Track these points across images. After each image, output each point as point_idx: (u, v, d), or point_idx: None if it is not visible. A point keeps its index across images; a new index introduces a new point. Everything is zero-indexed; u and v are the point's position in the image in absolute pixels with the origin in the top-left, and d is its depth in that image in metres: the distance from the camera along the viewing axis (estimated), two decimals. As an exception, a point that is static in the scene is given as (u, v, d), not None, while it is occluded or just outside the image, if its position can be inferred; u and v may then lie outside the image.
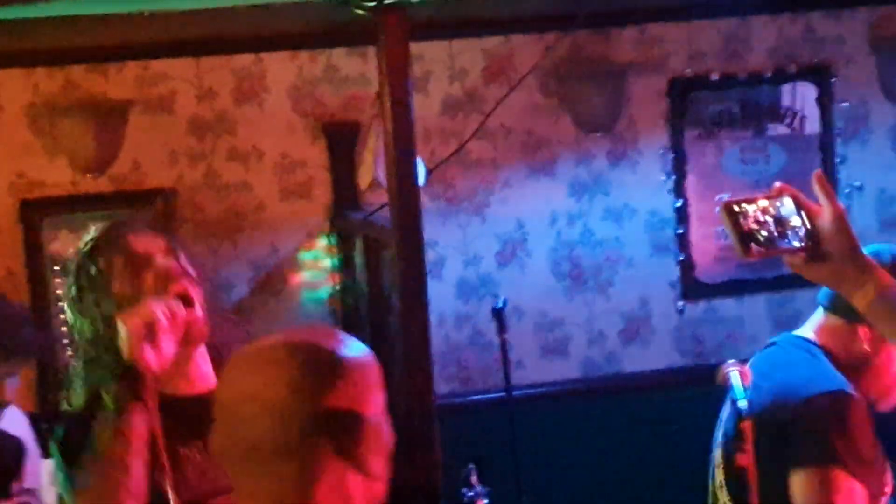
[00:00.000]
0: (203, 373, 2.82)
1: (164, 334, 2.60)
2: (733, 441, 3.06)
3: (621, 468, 5.59)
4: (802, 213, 2.10)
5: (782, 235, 2.08)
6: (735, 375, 3.55)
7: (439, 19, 5.45)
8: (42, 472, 4.17)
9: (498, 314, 4.66)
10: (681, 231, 5.86)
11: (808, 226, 2.09)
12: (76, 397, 2.79)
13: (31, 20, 4.60)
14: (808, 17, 5.94)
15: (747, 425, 2.86)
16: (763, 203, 2.10)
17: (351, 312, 5.51)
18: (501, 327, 4.72)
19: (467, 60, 5.69)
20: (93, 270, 2.75)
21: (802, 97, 5.96)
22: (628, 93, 5.76)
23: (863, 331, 2.97)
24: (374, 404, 1.93)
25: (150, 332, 2.57)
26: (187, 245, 5.42)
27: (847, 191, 5.97)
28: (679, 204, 5.85)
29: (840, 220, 2.08)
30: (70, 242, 5.43)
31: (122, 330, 2.59)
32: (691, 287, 5.88)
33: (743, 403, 3.46)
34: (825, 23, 5.95)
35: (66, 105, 5.41)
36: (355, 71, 5.59)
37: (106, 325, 2.71)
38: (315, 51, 5.59)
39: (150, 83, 5.50)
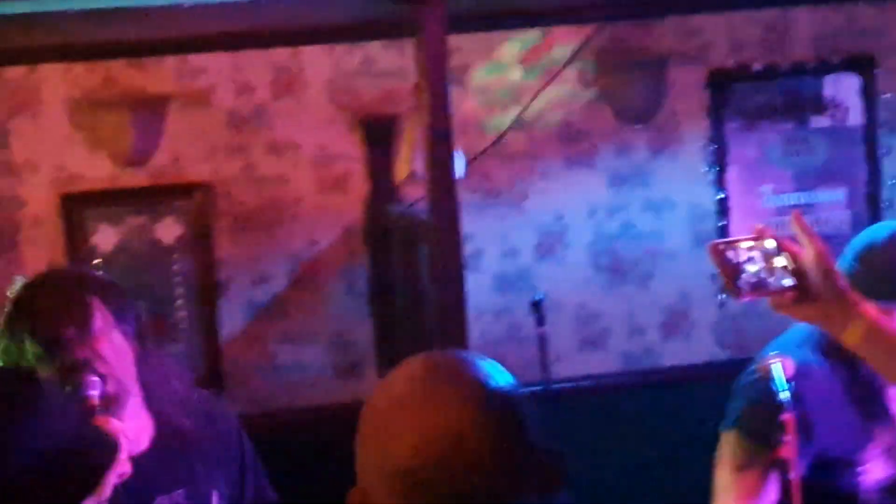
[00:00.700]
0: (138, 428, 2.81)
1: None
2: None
3: (661, 462, 5.56)
4: (787, 253, 2.11)
5: (770, 277, 2.09)
6: (777, 367, 3.53)
7: (477, 11, 5.45)
8: None
9: (537, 307, 4.64)
10: (722, 224, 5.81)
11: (794, 266, 2.10)
12: None
13: (70, 15, 4.62)
14: (850, 7, 5.89)
15: (789, 417, 2.85)
16: (749, 244, 2.12)
17: (387, 306, 5.51)
18: (540, 320, 4.70)
19: (504, 52, 5.67)
20: (11, 347, 2.73)
21: (845, 88, 5.91)
22: (669, 84, 5.73)
23: None
24: None
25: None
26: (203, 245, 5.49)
27: (890, 183, 5.91)
28: (720, 196, 5.81)
29: (823, 258, 2.08)
30: (110, 236, 5.47)
31: None
32: (732, 280, 5.84)
33: (785, 395, 3.44)
34: (868, 13, 5.89)
35: (106, 99, 5.44)
36: (392, 64, 5.58)
37: None
38: (352, 44, 5.58)
39: (188, 77, 5.51)
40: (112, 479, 2.24)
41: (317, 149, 5.58)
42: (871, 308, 2.09)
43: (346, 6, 5.23)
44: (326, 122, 5.58)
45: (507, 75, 5.66)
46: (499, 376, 1.57)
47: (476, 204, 5.55)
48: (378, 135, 5.55)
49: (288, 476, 3.42)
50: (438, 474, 1.47)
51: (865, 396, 3.02)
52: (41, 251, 5.48)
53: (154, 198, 5.51)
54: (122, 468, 2.33)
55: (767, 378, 3.53)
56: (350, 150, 5.59)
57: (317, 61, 5.57)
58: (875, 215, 5.85)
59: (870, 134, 5.93)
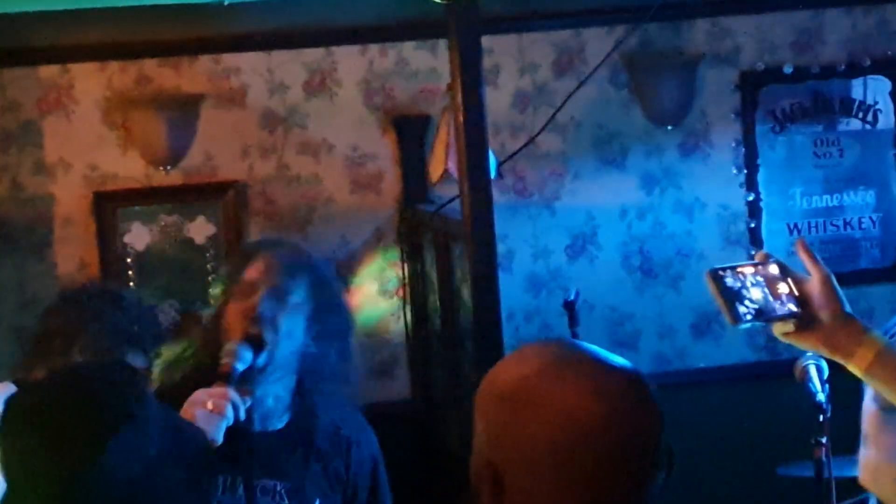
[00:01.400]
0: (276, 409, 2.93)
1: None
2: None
3: (693, 463, 5.53)
4: (789, 279, 2.05)
5: (772, 302, 2.02)
6: (812, 369, 3.53)
7: (509, 12, 5.46)
8: None
9: (570, 307, 4.63)
10: (752, 225, 5.81)
11: (797, 293, 2.04)
12: None
13: (104, 14, 4.65)
14: (882, 10, 5.88)
15: (826, 420, 2.84)
16: (749, 270, 2.05)
17: (420, 306, 5.51)
18: (573, 320, 4.68)
19: (537, 53, 5.68)
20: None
21: (875, 91, 5.89)
22: (699, 85, 5.73)
23: None
24: None
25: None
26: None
27: (921, 186, 5.91)
28: (751, 198, 5.81)
29: (827, 284, 2.03)
30: (142, 234, 5.50)
31: None
32: (763, 282, 5.83)
33: (821, 397, 3.44)
34: (900, 15, 5.88)
35: (140, 98, 5.47)
36: (425, 64, 5.60)
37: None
38: (385, 44, 5.60)
39: (221, 77, 5.54)
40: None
41: (350, 148, 5.60)
42: (877, 335, 2.04)
43: (379, 6, 5.25)
44: (359, 122, 5.59)
45: (539, 77, 5.67)
46: (637, 370, 1.63)
47: (508, 205, 5.55)
48: (411, 135, 5.56)
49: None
50: (587, 449, 1.52)
51: None
52: (73, 249, 5.51)
53: (187, 197, 5.54)
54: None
55: (804, 380, 3.54)
56: (383, 150, 5.61)
57: (350, 61, 5.59)
58: (904, 218, 5.85)
59: (900, 137, 5.93)
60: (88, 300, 3.35)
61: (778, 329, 2.03)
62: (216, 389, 2.68)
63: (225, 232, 5.53)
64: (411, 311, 5.57)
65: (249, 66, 5.55)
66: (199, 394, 2.67)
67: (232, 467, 2.77)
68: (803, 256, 2.06)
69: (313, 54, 5.58)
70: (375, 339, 5.62)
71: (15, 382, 3.11)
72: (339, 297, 3.20)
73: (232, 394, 2.68)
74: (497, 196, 4.20)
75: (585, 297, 5.40)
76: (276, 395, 2.90)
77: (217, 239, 5.54)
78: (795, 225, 5.84)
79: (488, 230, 3.89)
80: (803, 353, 3.98)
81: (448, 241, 4.95)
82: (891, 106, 5.91)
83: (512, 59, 5.66)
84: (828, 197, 5.86)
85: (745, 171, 5.81)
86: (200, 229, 5.54)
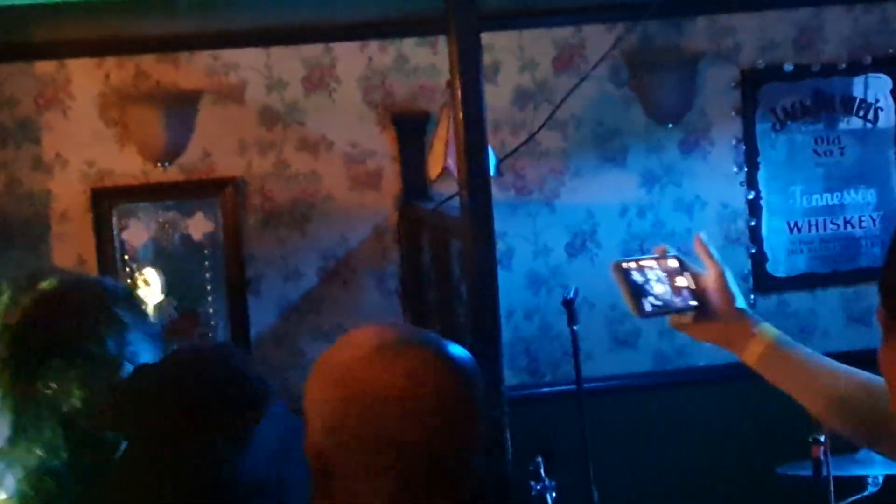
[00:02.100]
0: None
1: None
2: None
3: (692, 462, 5.55)
4: (687, 273, 2.13)
5: (673, 295, 2.11)
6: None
7: (509, 9, 5.45)
8: None
9: (569, 304, 4.62)
10: (753, 223, 5.80)
11: (694, 286, 2.12)
12: None
13: (101, 9, 4.64)
14: (883, 8, 5.86)
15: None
16: (651, 263, 2.13)
17: (419, 304, 5.51)
18: (572, 318, 4.67)
19: (537, 50, 5.66)
20: None
21: (877, 89, 5.88)
22: (700, 83, 5.72)
23: None
24: None
25: None
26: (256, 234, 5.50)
27: (923, 185, 5.90)
28: (751, 196, 5.79)
29: (721, 279, 2.11)
30: (140, 231, 5.48)
31: None
32: (763, 280, 5.83)
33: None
34: (901, 13, 5.87)
35: (137, 94, 5.45)
36: (425, 61, 5.58)
37: None
38: (385, 41, 5.59)
39: (220, 73, 5.52)
40: None
41: (349, 145, 5.58)
42: (769, 329, 2.12)
43: (379, 3, 5.24)
44: (359, 119, 5.58)
45: (539, 74, 5.66)
46: (458, 347, 1.69)
47: (508, 202, 5.54)
48: (410, 132, 5.55)
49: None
50: (407, 423, 1.59)
51: None
52: (71, 246, 5.50)
53: (185, 193, 5.52)
54: None
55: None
56: (382, 147, 5.59)
57: (349, 58, 5.57)
58: (905, 217, 5.83)
59: (901, 135, 5.91)
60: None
61: (674, 321, 2.12)
62: None
63: (223, 229, 5.52)
64: (410, 308, 5.56)
65: (248, 62, 5.53)
66: None
67: None
68: (700, 251, 2.15)
69: (312, 50, 5.56)
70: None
71: None
72: None
73: None
74: (497, 193, 4.19)
75: (585, 295, 5.38)
76: None
77: (215, 236, 5.53)
78: (796, 223, 5.83)
79: (487, 228, 3.89)
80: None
81: (447, 239, 4.94)
82: (892, 104, 5.90)
83: (512, 56, 5.64)
84: (828, 195, 5.85)
85: (746, 170, 5.80)
86: (198, 226, 5.52)
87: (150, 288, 3.51)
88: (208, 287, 5.52)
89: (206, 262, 5.52)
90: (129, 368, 2.10)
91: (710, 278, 2.13)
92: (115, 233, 5.48)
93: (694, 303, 2.11)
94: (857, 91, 5.87)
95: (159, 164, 5.46)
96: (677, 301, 2.11)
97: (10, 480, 2.07)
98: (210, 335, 5.51)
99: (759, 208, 5.80)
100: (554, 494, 4.36)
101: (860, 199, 5.87)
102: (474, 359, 1.69)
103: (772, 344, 2.12)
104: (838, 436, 2.17)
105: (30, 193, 5.47)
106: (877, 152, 5.89)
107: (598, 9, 5.61)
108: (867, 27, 5.86)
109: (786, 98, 5.82)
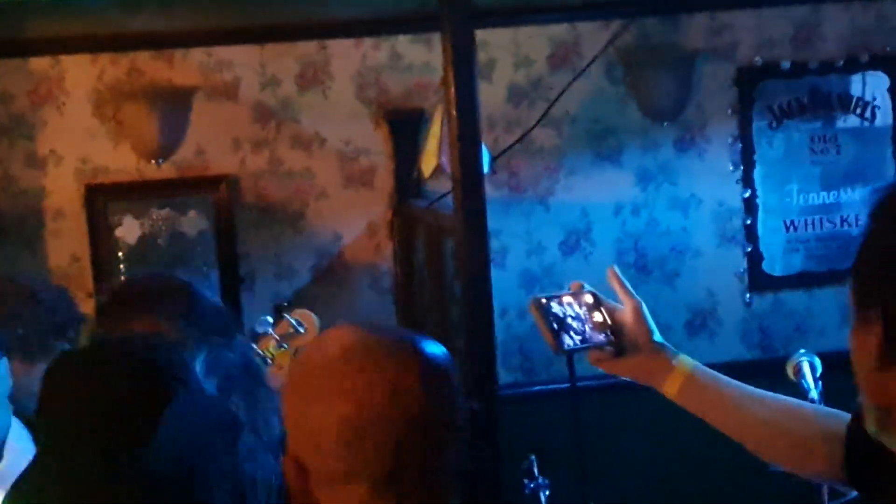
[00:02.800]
0: None
1: None
2: None
3: (685, 460, 5.54)
4: (602, 308, 2.13)
5: (591, 331, 2.10)
6: (806, 366, 3.52)
7: (504, 6, 5.44)
8: None
9: (562, 304, 4.61)
10: (749, 222, 5.78)
11: (610, 321, 2.12)
12: None
13: (95, 6, 4.63)
14: (880, 5, 5.85)
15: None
16: (568, 299, 2.13)
17: (412, 302, 5.50)
18: (565, 317, 4.66)
19: (532, 48, 5.65)
20: None
21: (874, 87, 5.87)
22: (696, 81, 5.70)
23: None
24: None
25: None
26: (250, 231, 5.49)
27: (919, 182, 5.87)
28: (747, 194, 5.78)
29: (637, 313, 2.11)
30: (134, 228, 5.47)
31: None
32: (759, 279, 5.82)
33: (814, 394, 3.43)
34: (898, 11, 5.86)
35: (131, 91, 5.44)
36: (419, 58, 5.57)
37: None
38: (379, 38, 5.58)
39: (214, 70, 5.51)
40: None
41: (342, 143, 5.57)
42: (687, 361, 2.12)
43: (373, 0, 5.23)
44: (352, 116, 5.57)
45: (534, 71, 5.65)
46: (432, 345, 1.67)
47: (502, 200, 5.53)
48: (404, 129, 5.54)
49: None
50: (379, 425, 1.57)
51: None
52: (65, 243, 5.50)
53: (178, 190, 5.52)
54: None
55: (797, 377, 3.52)
56: (376, 145, 5.59)
57: (343, 55, 5.56)
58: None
59: (899, 134, 5.90)
60: (3, 303, 3.30)
61: (593, 356, 2.12)
62: None
63: (217, 225, 5.52)
64: (404, 306, 5.56)
65: (242, 60, 5.52)
66: None
67: None
68: (615, 285, 2.15)
69: (306, 48, 5.55)
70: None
71: None
72: None
73: None
74: (490, 191, 4.19)
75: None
76: None
77: (209, 233, 5.53)
78: (792, 222, 5.82)
79: (481, 226, 3.88)
80: (797, 350, 3.97)
81: (441, 237, 4.93)
82: (889, 102, 5.88)
83: (507, 53, 5.63)
84: (825, 194, 5.84)
85: (742, 168, 5.79)
86: (192, 223, 5.52)
87: (304, 334, 3.44)
88: (202, 284, 5.50)
89: (200, 259, 5.52)
90: None
91: (626, 313, 2.13)
92: (109, 229, 5.48)
93: (609, 337, 2.11)
94: (855, 89, 5.86)
95: (153, 161, 5.46)
96: (595, 336, 2.11)
97: None
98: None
99: (756, 207, 5.79)
100: (547, 493, 4.35)
101: (857, 197, 5.86)
102: (448, 354, 1.68)
103: (691, 375, 2.11)
104: (763, 462, 2.16)
105: (24, 190, 5.47)
106: (874, 151, 5.88)
107: (594, 6, 5.60)
108: (865, 25, 5.85)
109: (783, 96, 5.81)
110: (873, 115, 5.87)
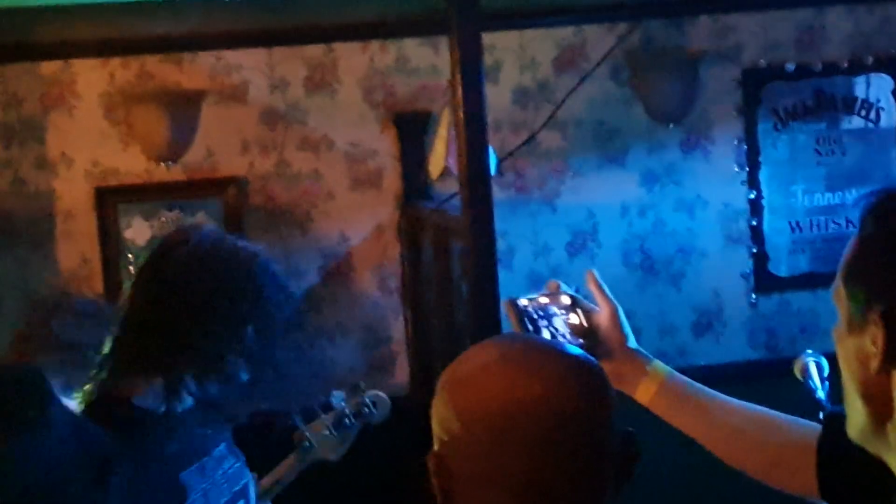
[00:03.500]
0: None
1: None
2: None
3: (693, 462, 5.54)
4: (579, 310, 2.13)
5: (564, 333, 2.09)
6: (812, 366, 3.53)
7: (511, 9, 5.46)
8: None
9: (568, 305, 4.63)
10: (754, 223, 5.81)
11: (586, 324, 2.11)
12: None
13: (106, 9, 4.65)
14: (885, 8, 5.86)
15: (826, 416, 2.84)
16: (544, 300, 2.12)
17: (420, 303, 5.52)
18: (572, 318, 4.68)
19: (538, 50, 5.67)
20: None
21: (878, 89, 5.89)
22: (701, 83, 5.72)
23: None
24: None
25: None
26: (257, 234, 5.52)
27: (923, 184, 5.89)
28: (752, 196, 5.80)
29: (614, 318, 2.11)
30: (143, 230, 5.50)
31: None
32: (764, 280, 5.83)
33: (821, 394, 3.44)
34: (903, 13, 5.88)
35: (141, 94, 5.47)
36: (426, 61, 5.60)
37: None
38: (386, 41, 5.60)
39: (223, 73, 5.54)
40: None
41: (350, 145, 5.60)
42: (661, 367, 2.12)
43: (380, 3, 5.25)
44: (360, 119, 5.60)
45: (540, 73, 5.67)
46: (581, 352, 1.64)
47: (508, 202, 5.55)
48: (411, 131, 5.56)
49: (321, 471, 3.44)
50: (529, 421, 1.50)
51: None
52: (75, 245, 5.52)
53: (188, 192, 5.54)
54: None
55: (804, 377, 3.53)
56: (383, 147, 5.61)
57: (351, 58, 5.59)
58: (907, 216, 5.82)
59: (903, 136, 5.92)
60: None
61: None
62: None
63: (225, 227, 5.52)
64: (411, 307, 5.57)
65: (250, 63, 5.55)
66: None
67: None
68: (593, 289, 2.15)
69: (314, 51, 5.58)
70: (375, 335, 5.63)
71: None
72: None
73: None
74: (497, 193, 4.21)
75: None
76: None
77: (218, 234, 5.54)
78: (797, 223, 5.84)
79: (488, 227, 3.89)
80: (803, 350, 3.99)
81: (448, 238, 4.95)
82: (893, 104, 5.90)
83: (513, 56, 5.65)
84: (830, 195, 5.86)
85: (747, 169, 5.81)
86: (201, 225, 5.54)
87: (374, 415, 3.45)
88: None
89: (209, 261, 5.53)
90: None
91: (602, 316, 2.13)
92: (118, 231, 5.50)
93: (581, 341, 2.09)
94: (859, 91, 5.88)
95: (163, 164, 5.48)
96: (569, 339, 2.10)
97: None
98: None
99: (761, 208, 5.81)
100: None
101: (861, 198, 5.87)
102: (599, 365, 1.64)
103: (664, 381, 2.12)
104: (734, 469, 2.17)
105: (35, 192, 5.50)
106: (878, 152, 5.90)
107: (599, 9, 5.62)
108: (869, 27, 5.87)
109: (787, 98, 5.83)
110: (877, 116, 5.89)
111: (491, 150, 4.04)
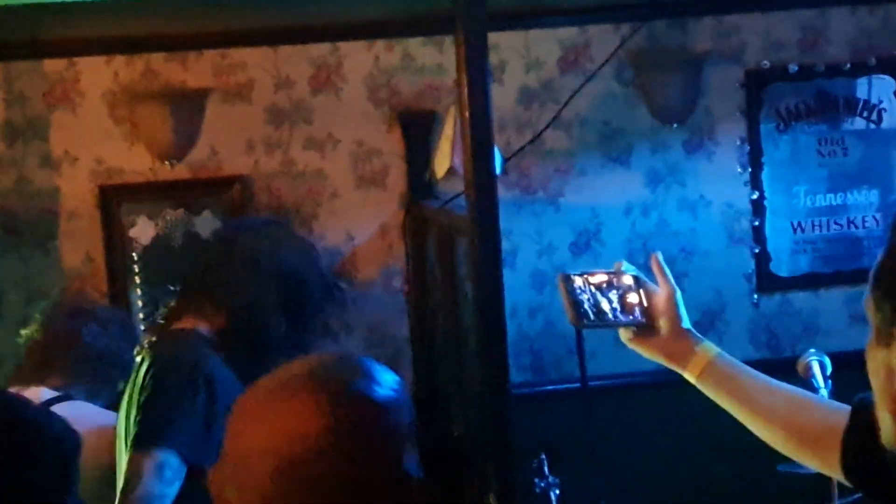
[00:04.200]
0: None
1: None
2: None
3: (695, 459, 5.57)
4: (641, 290, 2.23)
5: (619, 310, 2.20)
6: (815, 366, 3.56)
7: (516, 9, 5.47)
8: None
9: (573, 304, 4.64)
10: (756, 223, 5.82)
11: (646, 304, 2.22)
12: None
13: (110, 8, 4.66)
14: (887, 9, 5.87)
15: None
16: (602, 278, 2.23)
17: (425, 302, 5.53)
18: (576, 317, 4.69)
19: (543, 50, 5.68)
20: None
21: (880, 90, 5.90)
22: (705, 83, 5.73)
23: None
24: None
25: None
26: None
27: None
28: (755, 196, 5.81)
29: (671, 299, 2.23)
30: (148, 229, 5.51)
31: None
32: (767, 280, 5.85)
33: (824, 393, 3.47)
34: (905, 14, 5.89)
35: (145, 93, 5.47)
36: (431, 60, 5.61)
37: None
38: (392, 40, 5.61)
39: (227, 72, 5.54)
40: None
41: (355, 144, 5.61)
42: (711, 347, 2.23)
43: (385, 2, 5.26)
44: (365, 118, 5.60)
45: (545, 73, 5.68)
46: (374, 381, 1.61)
47: (513, 201, 5.56)
48: (417, 131, 5.57)
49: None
50: (308, 465, 1.51)
51: None
52: (79, 243, 5.52)
53: (192, 191, 5.54)
54: None
55: (807, 377, 3.56)
56: (388, 146, 5.61)
57: (356, 57, 5.59)
58: (909, 217, 5.83)
59: (905, 137, 5.93)
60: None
61: (622, 335, 2.24)
62: None
63: (229, 227, 5.54)
64: (415, 306, 5.58)
65: (255, 62, 5.56)
66: None
67: None
68: (655, 271, 2.27)
69: (319, 50, 5.58)
70: (380, 335, 5.64)
71: None
72: None
73: None
74: (502, 192, 4.22)
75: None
76: None
77: (222, 233, 5.54)
78: (799, 223, 5.85)
79: (493, 226, 3.90)
80: (806, 349, 4.01)
81: (453, 237, 4.96)
82: (895, 105, 5.91)
83: (518, 56, 5.66)
84: (832, 195, 5.87)
85: (750, 169, 5.81)
86: (206, 224, 5.54)
87: None
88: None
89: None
90: None
91: (661, 297, 2.24)
92: (123, 230, 5.51)
93: (640, 319, 2.22)
94: (861, 92, 5.89)
95: (167, 162, 5.49)
96: (622, 316, 2.21)
97: None
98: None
99: (763, 208, 5.82)
100: (558, 492, 4.39)
101: (863, 199, 5.89)
102: (395, 390, 1.63)
103: (711, 361, 2.23)
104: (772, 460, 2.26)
105: (38, 191, 5.50)
106: (880, 153, 5.91)
107: (604, 9, 5.63)
108: (871, 28, 5.88)
109: (790, 98, 5.84)
110: (880, 117, 5.90)
111: (496, 150, 4.06)
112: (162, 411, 3.09)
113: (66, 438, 2.11)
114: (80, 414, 3.43)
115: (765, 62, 5.81)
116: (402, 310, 5.63)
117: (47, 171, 5.51)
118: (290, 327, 3.38)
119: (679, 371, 2.24)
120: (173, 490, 3.01)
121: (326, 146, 5.60)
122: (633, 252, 5.74)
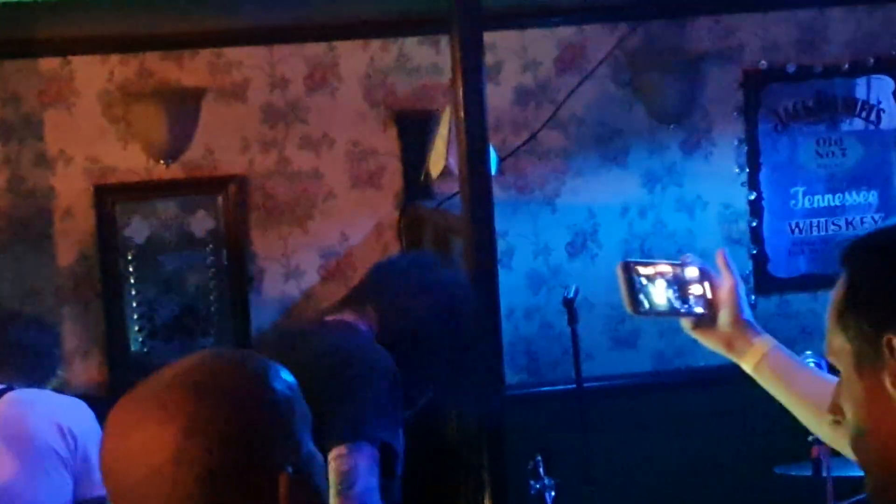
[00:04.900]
0: None
1: None
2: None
3: (690, 462, 5.56)
4: (706, 283, 2.26)
5: (677, 300, 2.23)
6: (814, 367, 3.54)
7: (512, 8, 5.46)
8: None
9: (569, 304, 4.62)
10: (754, 224, 5.80)
11: (709, 295, 2.25)
12: None
13: (105, 6, 4.66)
14: (886, 9, 5.86)
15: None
16: (664, 268, 2.25)
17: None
18: (572, 317, 4.68)
19: (539, 50, 5.67)
20: None
21: (879, 91, 5.88)
22: (702, 83, 5.72)
23: None
24: None
25: None
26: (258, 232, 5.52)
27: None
28: (752, 197, 5.80)
29: (733, 292, 2.26)
30: (142, 228, 5.50)
31: None
32: (764, 281, 5.83)
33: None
34: (903, 15, 5.88)
35: (141, 92, 5.46)
36: (427, 60, 5.59)
37: None
38: (387, 39, 5.60)
39: (223, 71, 5.53)
40: None
41: (351, 144, 5.60)
42: (769, 338, 2.27)
43: (381, 1, 5.25)
44: (361, 117, 5.59)
45: (541, 73, 5.67)
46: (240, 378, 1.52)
47: (509, 201, 5.55)
48: (412, 130, 5.56)
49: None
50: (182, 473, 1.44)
51: None
52: (73, 242, 5.52)
53: (187, 190, 5.54)
54: None
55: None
56: (384, 146, 5.60)
57: (352, 56, 5.58)
58: (907, 218, 5.83)
59: (904, 137, 5.92)
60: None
61: (684, 325, 2.27)
62: None
63: (225, 226, 5.53)
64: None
65: (251, 61, 5.55)
66: None
67: None
68: (721, 264, 2.30)
69: (315, 49, 5.57)
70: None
71: None
72: None
73: None
74: (498, 192, 4.21)
75: (585, 294, 5.39)
76: None
77: (217, 233, 5.54)
78: (797, 224, 5.84)
79: (488, 227, 3.90)
80: (802, 351, 4.00)
81: (448, 237, 4.95)
82: (894, 106, 5.90)
83: (514, 56, 5.65)
84: (830, 196, 5.86)
85: (748, 170, 5.80)
86: (200, 223, 5.53)
87: None
88: (210, 285, 5.54)
89: (208, 260, 5.54)
90: None
91: (724, 289, 2.27)
92: (117, 229, 5.49)
93: (700, 310, 2.24)
94: (860, 92, 5.88)
95: (162, 162, 5.48)
96: (680, 306, 2.23)
97: None
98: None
99: (761, 209, 5.81)
100: (553, 493, 4.36)
101: (862, 200, 5.87)
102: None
103: (767, 353, 2.26)
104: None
105: (33, 190, 5.49)
106: (879, 154, 5.90)
107: (600, 9, 5.62)
108: (870, 29, 5.87)
109: (788, 99, 5.82)
110: (878, 118, 5.89)
111: (492, 150, 4.05)
112: (365, 403, 3.08)
113: None
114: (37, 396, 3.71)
115: (763, 62, 5.79)
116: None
117: (42, 170, 5.49)
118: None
119: (736, 361, 2.28)
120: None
121: (322, 146, 5.59)
122: (630, 253, 5.72)
